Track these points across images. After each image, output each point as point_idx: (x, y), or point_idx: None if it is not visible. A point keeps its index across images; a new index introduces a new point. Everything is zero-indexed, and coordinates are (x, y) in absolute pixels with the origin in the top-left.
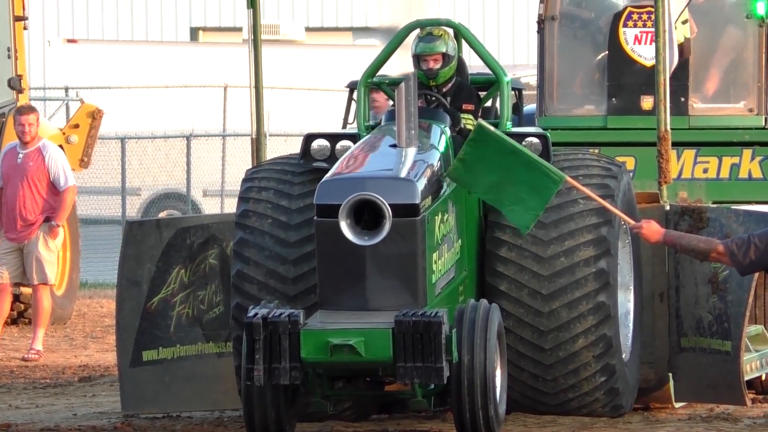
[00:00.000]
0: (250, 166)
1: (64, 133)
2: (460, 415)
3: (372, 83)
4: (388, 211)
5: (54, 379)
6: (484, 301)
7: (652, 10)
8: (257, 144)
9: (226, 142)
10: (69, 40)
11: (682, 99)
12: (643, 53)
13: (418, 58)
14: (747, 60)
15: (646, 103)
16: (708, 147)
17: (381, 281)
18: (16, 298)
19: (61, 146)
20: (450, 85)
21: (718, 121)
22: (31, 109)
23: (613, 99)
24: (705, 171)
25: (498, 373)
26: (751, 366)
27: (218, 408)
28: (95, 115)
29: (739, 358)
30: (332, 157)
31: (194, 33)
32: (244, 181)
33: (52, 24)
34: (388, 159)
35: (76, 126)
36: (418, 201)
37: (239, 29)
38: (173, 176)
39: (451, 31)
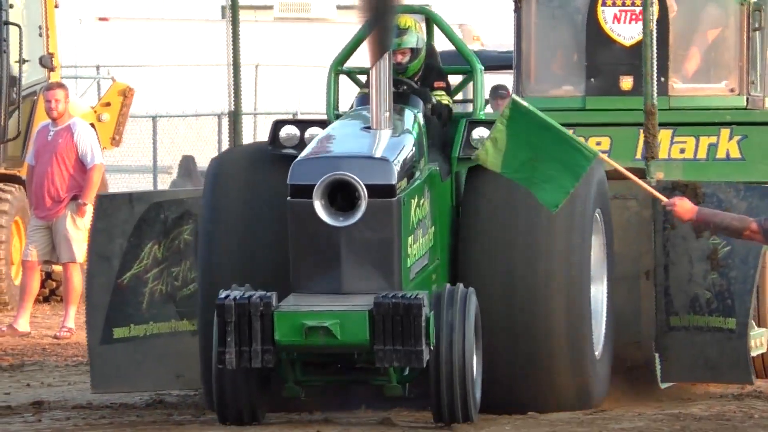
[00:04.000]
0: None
1: (95, 112)
2: (438, 401)
3: (341, 71)
4: (364, 192)
5: (86, 356)
6: (460, 285)
7: None
8: (234, 120)
9: (257, 120)
10: (100, 18)
11: (662, 79)
12: (623, 32)
13: None
14: (728, 40)
15: (626, 83)
16: (685, 127)
17: (356, 264)
18: (48, 276)
19: (92, 124)
20: (419, 75)
21: (699, 102)
22: (58, 85)
23: (592, 79)
24: (682, 151)
25: (475, 358)
26: (755, 342)
27: (192, 388)
28: (126, 94)
29: (746, 336)
30: (301, 144)
31: (224, 11)
32: (210, 176)
33: (83, 1)
34: (363, 140)
35: (108, 104)
36: (394, 181)
37: (270, 7)
38: (205, 154)
39: (420, 18)
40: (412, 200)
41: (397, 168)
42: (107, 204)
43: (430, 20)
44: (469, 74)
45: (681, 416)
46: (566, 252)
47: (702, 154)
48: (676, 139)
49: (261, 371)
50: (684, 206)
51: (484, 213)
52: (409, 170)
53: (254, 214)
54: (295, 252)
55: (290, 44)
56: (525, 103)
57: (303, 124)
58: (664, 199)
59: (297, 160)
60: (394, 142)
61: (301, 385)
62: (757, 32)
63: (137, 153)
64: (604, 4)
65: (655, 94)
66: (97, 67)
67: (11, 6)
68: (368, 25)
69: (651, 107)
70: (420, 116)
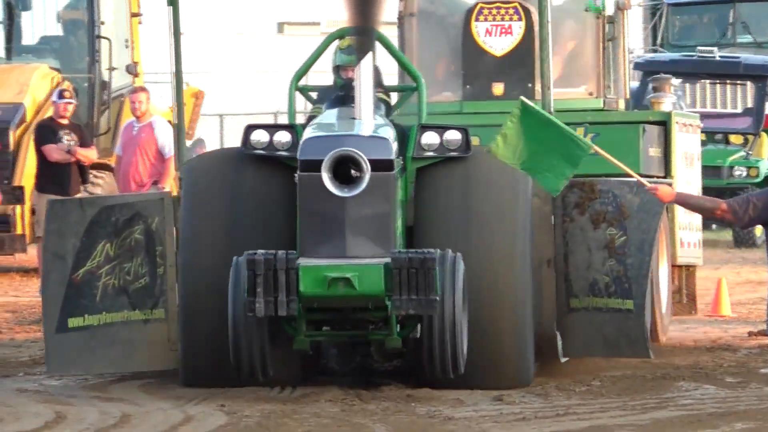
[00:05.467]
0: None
1: (172, 111)
2: (431, 352)
3: (299, 87)
4: (367, 165)
5: None
6: (449, 251)
7: (502, 5)
8: (178, 129)
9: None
10: None
11: (529, 85)
12: (494, 45)
13: (338, 69)
14: (587, 49)
15: (497, 89)
16: None
17: (358, 231)
18: None
19: (170, 122)
20: None
21: (561, 105)
22: (141, 89)
23: (468, 86)
24: None
25: (463, 315)
26: None
27: (144, 369)
28: (198, 96)
29: (644, 315)
30: (270, 146)
31: (280, 27)
32: (187, 172)
33: (163, 18)
34: (357, 125)
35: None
36: (393, 157)
37: (318, 23)
38: None
39: None
40: (398, 181)
41: (394, 146)
42: (58, 208)
43: (379, 41)
44: (414, 89)
45: (662, 365)
46: (511, 238)
47: None
48: None
49: (271, 330)
50: (665, 190)
51: (439, 204)
52: (397, 153)
53: (229, 205)
54: (304, 220)
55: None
56: (531, 104)
57: (272, 129)
58: (648, 184)
59: (306, 138)
60: (381, 127)
61: (309, 338)
62: (611, 42)
63: (207, 145)
64: (477, 19)
65: (552, 103)
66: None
67: (102, 23)
68: (354, 30)
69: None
70: (383, 114)
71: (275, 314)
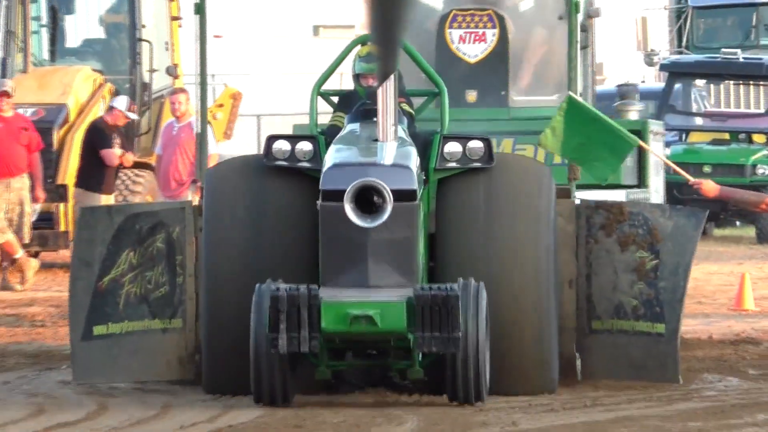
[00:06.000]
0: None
1: (211, 112)
2: (454, 382)
3: (321, 93)
4: (390, 196)
5: None
6: (472, 280)
7: (476, 12)
8: (201, 138)
9: None
10: (215, 35)
11: (503, 93)
12: (468, 51)
13: (358, 77)
14: (559, 57)
15: (471, 96)
16: (525, 135)
17: (380, 260)
18: None
19: (208, 122)
20: None
21: (534, 112)
22: (181, 90)
23: None
24: None
25: (486, 345)
26: None
27: (162, 379)
28: (236, 97)
29: (676, 340)
30: (292, 157)
31: (316, 29)
32: (209, 183)
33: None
34: (379, 150)
35: (221, 105)
36: (416, 187)
37: (352, 27)
38: None
39: None
40: (422, 205)
41: (416, 174)
42: (89, 216)
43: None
44: (435, 95)
45: (686, 358)
46: (535, 254)
47: (540, 159)
48: (517, 147)
49: (292, 358)
50: (709, 185)
51: (460, 215)
52: (419, 177)
53: (251, 214)
54: (326, 250)
55: None
56: (579, 98)
57: (293, 139)
58: (691, 179)
59: (328, 168)
60: (404, 151)
61: (330, 368)
62: (583, 51)
63: (245, 145)
64: (451, 26)
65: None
66: (213, 75)
67: (143, 26)
68: (375, 38)
69: None
70: (406, 129)
71: (298, 350)
